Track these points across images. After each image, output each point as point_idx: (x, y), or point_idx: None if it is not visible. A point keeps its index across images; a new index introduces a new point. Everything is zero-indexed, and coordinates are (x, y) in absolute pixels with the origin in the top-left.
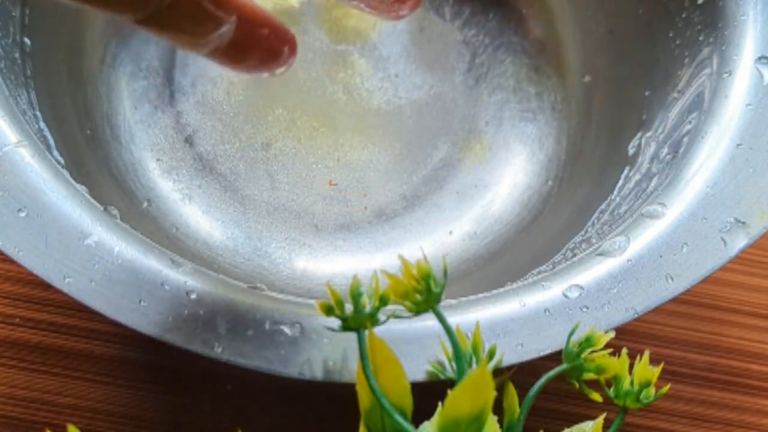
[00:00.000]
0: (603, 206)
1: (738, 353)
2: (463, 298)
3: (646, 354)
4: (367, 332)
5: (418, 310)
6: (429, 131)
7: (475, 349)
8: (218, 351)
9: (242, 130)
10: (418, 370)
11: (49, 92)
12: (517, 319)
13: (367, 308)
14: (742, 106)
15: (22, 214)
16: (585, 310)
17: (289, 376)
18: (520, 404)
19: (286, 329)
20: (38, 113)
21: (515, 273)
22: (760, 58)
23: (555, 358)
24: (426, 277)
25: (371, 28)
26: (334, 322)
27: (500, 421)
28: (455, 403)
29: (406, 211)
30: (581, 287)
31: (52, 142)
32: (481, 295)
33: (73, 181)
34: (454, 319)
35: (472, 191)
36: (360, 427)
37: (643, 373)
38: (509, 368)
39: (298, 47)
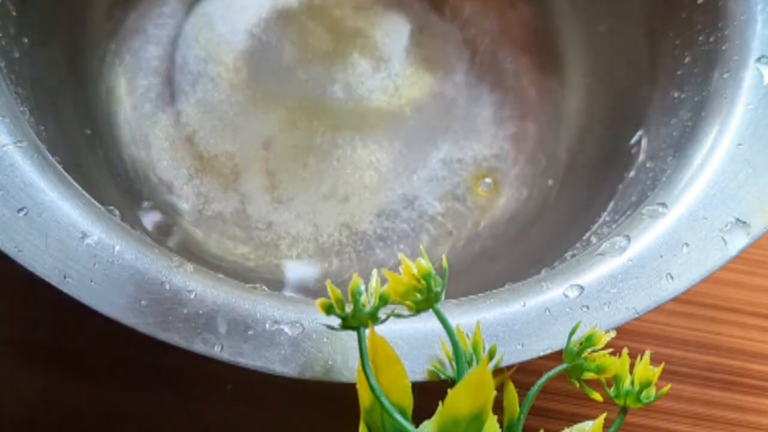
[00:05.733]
0: (603, 206)
1: (739, 353)
2: (463, 298)
3: (647, 354)
4: (367, 331)
5: (418, 309)
6: (429, 131)
7: (476, 349)
8: (218, 351)
9: (242, 129)
10: (418, 370)
11: (49, 92)
12: (518, 318)
13: (368, 307)
14: (742, 106)
15: (22, 214)
16: (585, 309)
17: (289, 376)
18: (521, 404)
19: (287, 329)
20: (38, 113)
21: (515, 273)
22: (760, 58)
23: (555, 357)
24: (426, 277)
25: (371, 27)
26: (335, 321)
27: (500, 421)
28: (455, 403)
29: (406, 211)
30: (581, 287)
31: (52, 141)
32: (481, 295)
33: (73, 181)
34: (454, 319)
35: (472, 191)
36: (360, 427)
37: (643, 372)
38: (509, 368)
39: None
